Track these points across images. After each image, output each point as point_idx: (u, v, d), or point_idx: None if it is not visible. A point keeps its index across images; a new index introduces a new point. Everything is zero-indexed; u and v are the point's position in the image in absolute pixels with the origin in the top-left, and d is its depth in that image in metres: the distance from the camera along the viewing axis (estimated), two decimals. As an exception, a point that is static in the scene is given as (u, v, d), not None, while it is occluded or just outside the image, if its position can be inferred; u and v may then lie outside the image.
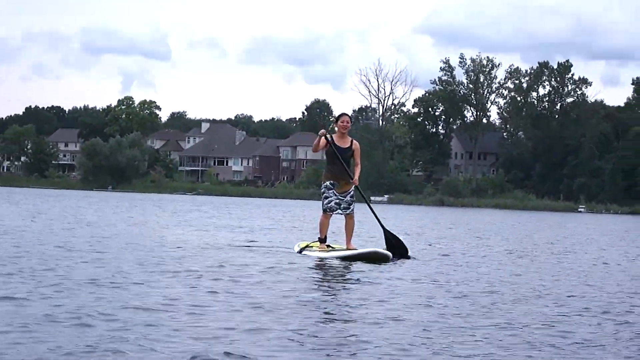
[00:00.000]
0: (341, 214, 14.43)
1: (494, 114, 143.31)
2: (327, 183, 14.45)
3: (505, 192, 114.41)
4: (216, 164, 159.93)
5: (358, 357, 6.32)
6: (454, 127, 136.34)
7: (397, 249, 14.62)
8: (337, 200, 14.36)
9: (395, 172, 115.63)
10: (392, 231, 15.13)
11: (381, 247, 14.50)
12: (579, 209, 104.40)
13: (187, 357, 5.98)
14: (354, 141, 14.58)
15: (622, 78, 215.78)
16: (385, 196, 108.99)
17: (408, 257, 14.48)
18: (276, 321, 7.51)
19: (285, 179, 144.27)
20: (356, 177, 14.31)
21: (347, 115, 14.67)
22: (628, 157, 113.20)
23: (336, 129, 14.59)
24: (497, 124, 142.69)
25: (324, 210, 14.40)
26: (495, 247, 20.07)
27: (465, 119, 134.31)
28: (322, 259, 13.76)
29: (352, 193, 14.47)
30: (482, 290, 10.54)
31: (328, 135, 14.36)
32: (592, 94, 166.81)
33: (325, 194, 14.43)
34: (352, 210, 14.45)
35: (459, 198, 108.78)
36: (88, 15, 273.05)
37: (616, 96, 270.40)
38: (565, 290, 11.03)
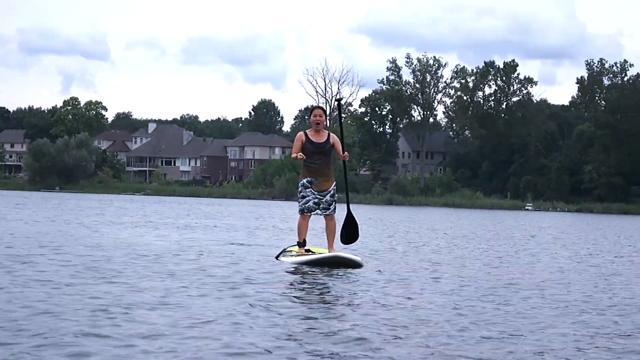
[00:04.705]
0: (320, 214, 13.12)
1: (440, 114, 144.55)
2: (304, 181, 13.11)
3: (453, 191, 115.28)
4: (164, 164, 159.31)
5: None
6: (401, 126, 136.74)
7: (349, 234, 13.63)
8: (316, 200, 13.06)
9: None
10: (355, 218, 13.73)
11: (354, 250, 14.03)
12: (526, 207, 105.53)
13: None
14: (332, 134, 13.27)
15: (559, 77, 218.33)
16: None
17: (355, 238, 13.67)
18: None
19: (233, 178, 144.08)
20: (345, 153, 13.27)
21: (319, 108, 13.40)
22: (573, 155, 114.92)
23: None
24: (443, 123, 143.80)
25: (301, 211, 13.06)
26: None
27: (412, 118, 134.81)
28: (295, 265, 12.59)
29: (332, 192, 13.19)
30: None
31: (302, 132, 13.17)
32: (537, 93, 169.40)
33: (302, 193, 13.09)
34: (333, 210, 13.15)
35: (407, 197, 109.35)
36: (24, 16, 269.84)
37: (558, 95, 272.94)
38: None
